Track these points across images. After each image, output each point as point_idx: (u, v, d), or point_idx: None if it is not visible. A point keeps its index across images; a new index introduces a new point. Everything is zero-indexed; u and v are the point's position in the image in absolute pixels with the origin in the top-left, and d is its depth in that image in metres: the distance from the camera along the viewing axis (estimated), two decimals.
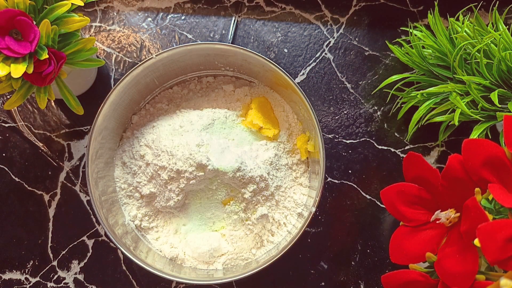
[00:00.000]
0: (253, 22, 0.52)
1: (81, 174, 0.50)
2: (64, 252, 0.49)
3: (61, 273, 0.49)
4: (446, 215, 0.37)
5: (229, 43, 0.52)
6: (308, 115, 0.44)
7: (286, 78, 0.43)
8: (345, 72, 0.52)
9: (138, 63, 0.43)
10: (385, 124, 0.51)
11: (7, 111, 0.50)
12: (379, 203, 0.50)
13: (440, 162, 0.51)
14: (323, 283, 0.49)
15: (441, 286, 0.35)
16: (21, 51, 0.35)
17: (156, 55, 0.43)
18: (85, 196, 0.50)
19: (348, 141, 0.51)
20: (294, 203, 0.47)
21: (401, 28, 0.52)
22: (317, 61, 0.52)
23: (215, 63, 0.47)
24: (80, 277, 0.49)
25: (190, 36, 0.52)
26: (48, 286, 0.49)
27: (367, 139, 0.51)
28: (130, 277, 0.49)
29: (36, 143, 0.50)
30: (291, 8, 0.53)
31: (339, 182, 0.50)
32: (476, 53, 0.42)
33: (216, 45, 0.44)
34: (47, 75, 0.37)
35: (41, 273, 0.49)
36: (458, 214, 0.37)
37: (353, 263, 0.49)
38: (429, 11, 0.48)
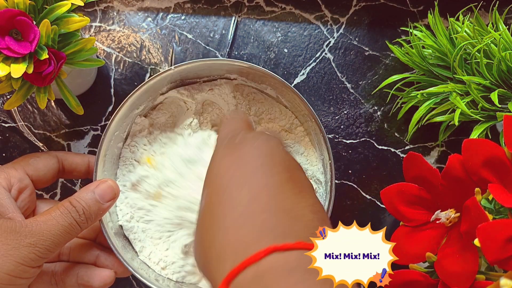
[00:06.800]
0: (253, 22, 0.52)
1: None
2: None
3: None
4: (446, 215, 0.37)
5: (229, 43, 0.52)
6: (311, 122, 0.44)
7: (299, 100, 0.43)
8: (345, 72, 0.52)
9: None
10: (385, 124, 0.51)
11: (7, 111, 0.50)
12: (379, 203, 0.50)
13: (440, 162, 0.51)
14: None
15: (441, 286, 0.35)
16: (21, 51, 0.35)
17: (174, 67, 0.42)
18: None
19: (348, 141, 0.51)
20: None
21: (401, 28, 0.52)
22: (317, 61, 0.52)
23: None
24: None
25: (190, 36, 0.52)
26: None
27: (367, 139, 0.51)
28: (130, 277, 0.49)
29: (36, 143, 0.50)
30: (291, 8, 0.53)
31: (339, 182, 0.50)
32: (476, 53, 0.42)
33: (235, 63, 0.44)
34: (47, 75, 0.37)
35: None
36: (458, 214, 0.37)
37: None
38: (429, 11, 0.48)
